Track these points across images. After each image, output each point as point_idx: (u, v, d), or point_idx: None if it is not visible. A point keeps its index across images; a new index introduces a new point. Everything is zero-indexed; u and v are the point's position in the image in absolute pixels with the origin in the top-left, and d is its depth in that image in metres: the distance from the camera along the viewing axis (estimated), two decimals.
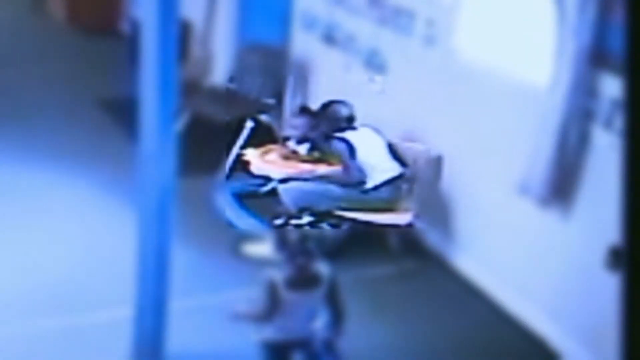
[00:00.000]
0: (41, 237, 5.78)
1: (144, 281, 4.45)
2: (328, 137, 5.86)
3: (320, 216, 5.74)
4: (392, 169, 5.77)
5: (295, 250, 3.98)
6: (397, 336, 5.08)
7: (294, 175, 5.81)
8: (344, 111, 5.94)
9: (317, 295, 4.06)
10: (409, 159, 5.88)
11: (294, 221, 5.75)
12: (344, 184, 5.71)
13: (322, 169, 5.81)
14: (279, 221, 5.77)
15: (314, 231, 5.65)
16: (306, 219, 5.77)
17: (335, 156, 5.82)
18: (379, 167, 5.75)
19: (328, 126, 5.90)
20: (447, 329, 5.20)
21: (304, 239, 4.04)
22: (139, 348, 4.58)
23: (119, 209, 5.92)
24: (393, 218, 5.71)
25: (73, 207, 6.11)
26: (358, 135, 5.85)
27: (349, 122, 5.92)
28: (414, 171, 5.80)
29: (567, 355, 4.95)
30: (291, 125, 6.17)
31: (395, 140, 5.99)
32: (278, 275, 3.97)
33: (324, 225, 5.75)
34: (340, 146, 5.77)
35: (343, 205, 5.70)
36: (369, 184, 5.71)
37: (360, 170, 5.71)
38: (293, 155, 6.02)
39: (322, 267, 4.06)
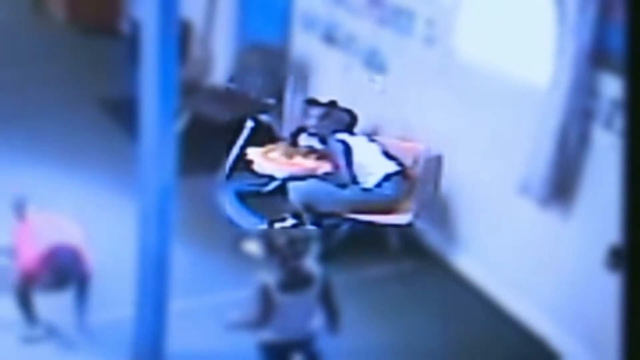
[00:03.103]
0: None
1: (144, 281, 4.45)
2: (328, 137, 5.90)
3: (319, 215, 5.75)
4: (390, 168, 5.78)
5: (286, 253, 3.97)
6: (397, 336, 5.08)
7: (297, 174, 5.81)
8: (347, 118, 5.98)
9: (311, 296, 4.05)
10: (408, 159, 5.89)
11: (279, 224, 5.75)
12: (339, 183, 5.73)
13: (323, 167, 5.83)
14: (263, 226, 5.78)
15: (307, 232, 5.65)
16: (290, 220, 5.77)
17: (332, 156, 5.84)
18: (375, 167, 5.76)
19: (331, 125, 5.93)
20: (447, 329, 5.20)
21: (292, 240, 4.03)
22: (139, 348, 4.58)
23: (119, 208, 5.90)
24: (393, 218, 5.72)
25: (73, 207, 6.08)
26: (354, 139, 5.87)
27: (350, 129, 5.95)
28: (413, 170, 5.82)
29: (567, 355, 4.95)
30: (310, 114, 6.16)
31: (394, 140, 5.99)
32: (270, 278, 3.96)
33: (310, 226, 5.75)
34: (337, 146, 5.81)
35: (346, 203, 5.71)
36: (369, 183, 5.72)
37: (353, 171, 5.74)
38: (295, 152, 6.01)
39: (314, 267, 4.05)
